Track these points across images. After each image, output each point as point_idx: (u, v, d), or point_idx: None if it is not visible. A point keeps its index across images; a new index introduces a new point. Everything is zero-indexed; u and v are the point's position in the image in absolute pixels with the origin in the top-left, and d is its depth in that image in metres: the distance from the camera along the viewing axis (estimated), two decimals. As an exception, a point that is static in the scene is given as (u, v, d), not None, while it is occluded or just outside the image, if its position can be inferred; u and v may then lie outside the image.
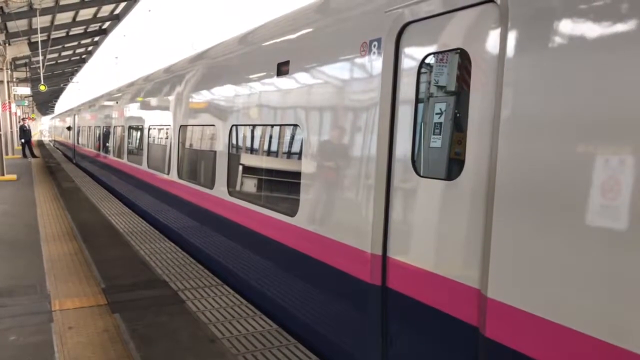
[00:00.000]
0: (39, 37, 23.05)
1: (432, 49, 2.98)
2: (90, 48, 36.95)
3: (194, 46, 39.00)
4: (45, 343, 4.01)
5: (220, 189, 5.90)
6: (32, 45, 24.78)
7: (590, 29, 2.14)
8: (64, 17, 24.47)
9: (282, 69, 4.49)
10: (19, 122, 34.17)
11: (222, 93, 6.01)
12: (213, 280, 5.64)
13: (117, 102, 13.42)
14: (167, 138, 8.39)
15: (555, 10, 2.27)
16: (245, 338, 4.14)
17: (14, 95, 31.14)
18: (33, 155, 26.55)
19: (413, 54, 3.10)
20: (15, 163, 21.92)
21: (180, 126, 7.66)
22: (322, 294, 3.97)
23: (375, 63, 3.33)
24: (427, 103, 3.05)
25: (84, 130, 21.01)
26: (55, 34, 26.31)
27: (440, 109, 2.98)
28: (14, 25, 22.29)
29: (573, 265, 2.19)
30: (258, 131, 5.24)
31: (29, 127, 29.11)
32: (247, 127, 5.44)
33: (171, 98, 8.16)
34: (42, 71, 26.80)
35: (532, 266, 2.35)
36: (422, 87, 3.06)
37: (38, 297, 5.08)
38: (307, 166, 4.12)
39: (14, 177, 15.73)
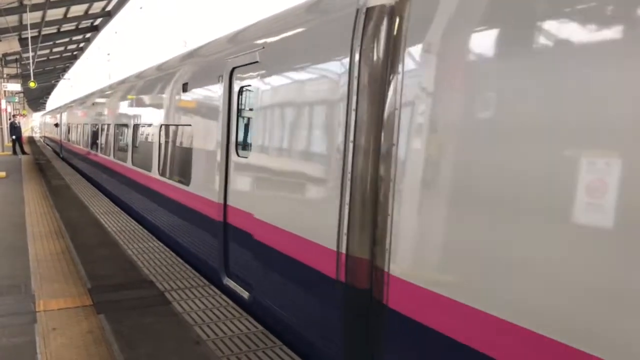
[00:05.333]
0: (29, 34, 22.80)
1: (243, 84, 5.10)
2: (81, 45, 36.67)
3: (186, 43, 38.77)
4: (28, 344, 3.98)
5: (155, 171, 8.27)
6: (23, 42, 24.51)
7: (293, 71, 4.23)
8: (55, 14, 24.25)
9: (185, 87, 6.85)
10: (10, 118, 33.80)
11: (160, 101, 8.34)
12: (200, 281, 5.62)
13: (92, 104, 15.59)
14: (128, 135, 10.49)
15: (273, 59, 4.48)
16: (231, 340, 4.13)
17: (5, 91, 30.82)
18: (23, 152, 26.33)
19: (236, 86, 5.25)
20: (5, 160, 21.75)
21: (134, 125, 9.86)
22: (197, 228, 6.31)
23: (221, 89, 5.50)
24: (241, 114, 5.22)
25: (68, 127, 22.43)
26: (46, 30, 26.05)
27: (245, 118, 5.15)
28: (4, 21, 22.05)
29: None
30: (174, 129, 7.46)
31: (19, 123, 28.82)
32: (170, 126, 7.65)
33: (133, 102, 10.22)
34: (32, 67, 26.57)
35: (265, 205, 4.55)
36: (240, 105, 5.23)
37: (22, 297, 5.04)
38: (195, 152, 6.35)
39: (3, 174, 15.58)
